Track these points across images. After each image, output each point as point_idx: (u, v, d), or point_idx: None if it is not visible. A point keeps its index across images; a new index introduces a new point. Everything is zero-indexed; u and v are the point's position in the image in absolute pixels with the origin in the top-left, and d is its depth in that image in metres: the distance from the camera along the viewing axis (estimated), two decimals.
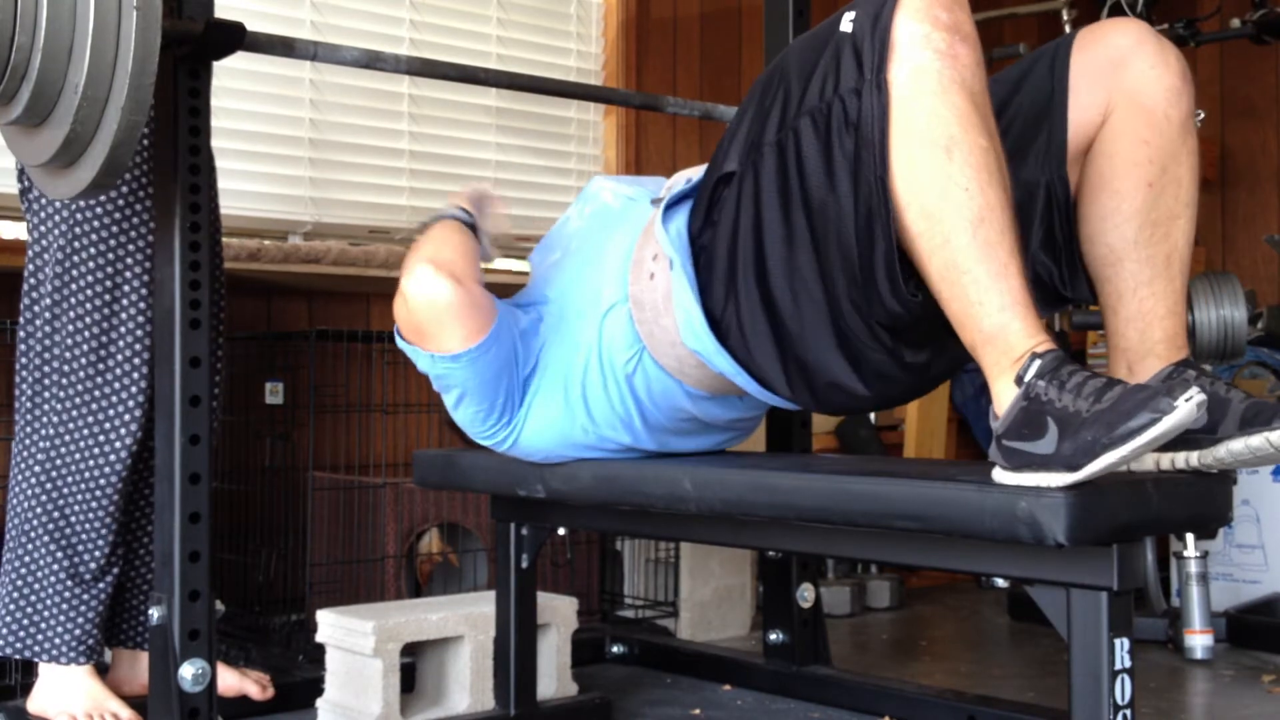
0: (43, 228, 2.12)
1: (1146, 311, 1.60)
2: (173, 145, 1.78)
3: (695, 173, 1.76)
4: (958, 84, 1.40)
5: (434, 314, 1.73)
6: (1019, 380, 1.37)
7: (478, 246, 1.89)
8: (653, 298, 1.69)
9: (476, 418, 1.83)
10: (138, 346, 2.10)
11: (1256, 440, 1.41)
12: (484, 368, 1.76)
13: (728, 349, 1.66)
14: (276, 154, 3.07)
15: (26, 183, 2.14)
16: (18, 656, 2.11)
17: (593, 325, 1.77)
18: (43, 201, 2.11)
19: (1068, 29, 3.95)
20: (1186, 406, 1.24)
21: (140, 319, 2.10)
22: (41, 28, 1.49)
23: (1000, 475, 1.38)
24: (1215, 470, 1.46)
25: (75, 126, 1.52)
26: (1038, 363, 1.36)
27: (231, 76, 2.94)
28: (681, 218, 1.70)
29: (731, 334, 1.65)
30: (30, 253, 2.15)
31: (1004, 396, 1.39)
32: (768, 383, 1.67)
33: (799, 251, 1.54)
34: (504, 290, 1.99)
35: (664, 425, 1.82)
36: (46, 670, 2.11)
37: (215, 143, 1.92)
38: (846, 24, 1.47)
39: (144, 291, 2.10)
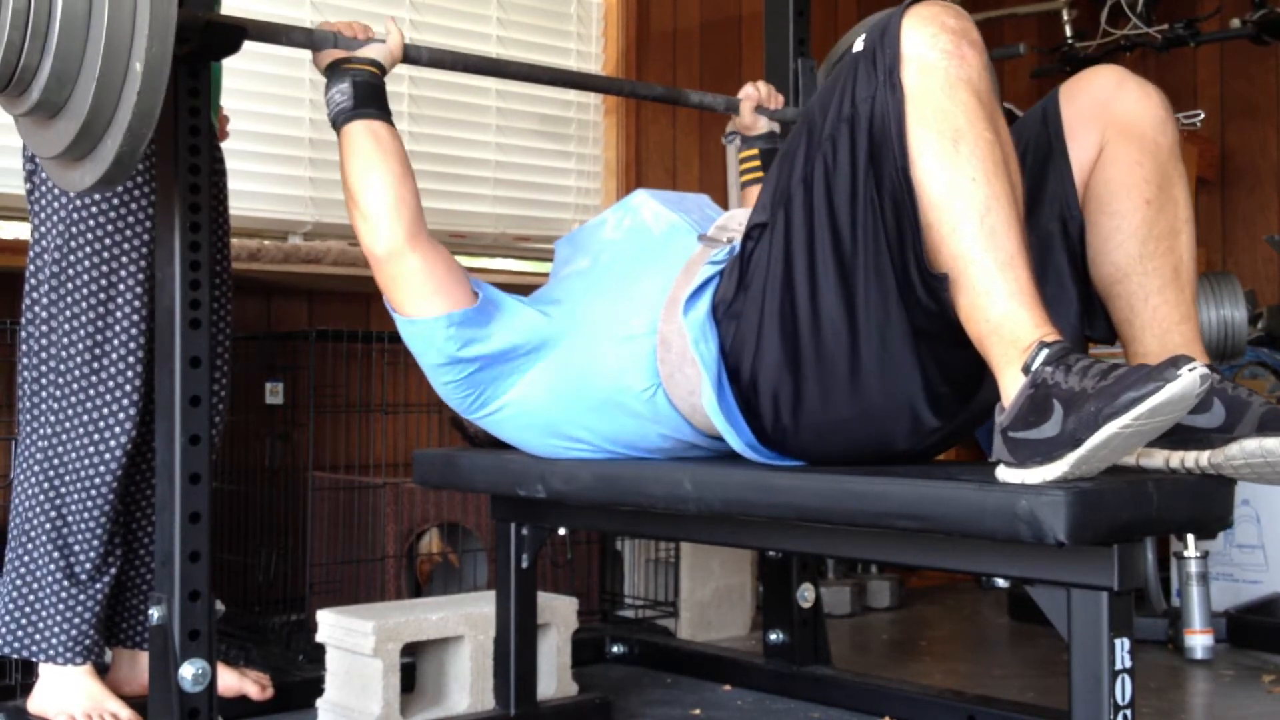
0: (43, 228, 2.12)
1: (1162, 318, 1.64)
2: (173, 145, 1.78)
3: (746, 215, 1.76)
4: (964, 81, 1.45)
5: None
6: (1026, 369, 1.37)
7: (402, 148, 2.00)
8: (680, 344, 1.69)
9: (449, 388, 1.88)
10: (132, 345, 2.10)
11: (1271, 442, 1.40)
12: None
13: (748, 421, 1.66)
14: (276, 154, 3.07)
15: (29, 185, 2.15)
16: (16, 656, 2.11)
17: (613, 348, 1.77)
18: (43, 202, 2.11)
19: (1068, 29, 3.97)
20: (1190, 376, 1.24)
21: (135, 317, 2.10)
22: (57, 18, 1.48)
23: (1005, 473, 1.38)
24: (1226, 471, 1.46)
25: (90, 116, 1.51)
26: (1045, 351, 1.37)
27: (232, 76, 2.94)
28: (705, 302, 1.69)
29: (752, 399, 1.66)
30: (31, 252, 2.15)
31: (1011, 387, 1.39)
32: (776, 451, 1.68)
33: (824, 316, 1.55)
34: (507, 290, 1.99)
35: (661, 448, 1.82)
36: (46, 670, 2.11)
37: None
38: (858, 45, 1.54)
39: (139, 290, 2.10)
